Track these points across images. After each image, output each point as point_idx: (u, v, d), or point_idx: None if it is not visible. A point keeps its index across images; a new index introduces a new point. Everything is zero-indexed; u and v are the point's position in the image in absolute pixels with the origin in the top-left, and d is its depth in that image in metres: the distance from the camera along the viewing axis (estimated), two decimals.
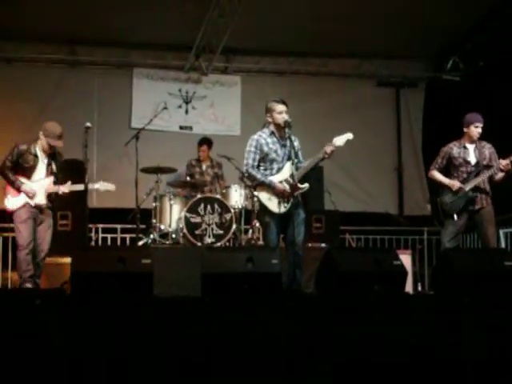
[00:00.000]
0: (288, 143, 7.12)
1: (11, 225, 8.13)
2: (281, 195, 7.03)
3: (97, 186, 8.03)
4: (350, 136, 7.08)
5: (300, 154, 7.28)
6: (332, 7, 10.12)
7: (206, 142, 10.65)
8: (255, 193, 7.34)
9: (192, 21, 10.38)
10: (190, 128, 12.23)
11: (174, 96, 12.20)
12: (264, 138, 7.21)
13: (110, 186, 8.13)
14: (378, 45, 11.58)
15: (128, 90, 12.04)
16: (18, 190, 7.65)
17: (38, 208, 7.72)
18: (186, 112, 12.28)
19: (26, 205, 7.66)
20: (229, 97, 12.47)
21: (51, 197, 7.83)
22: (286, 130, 7.12)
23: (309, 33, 11.03)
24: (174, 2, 9.99)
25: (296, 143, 7.23)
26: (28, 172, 7.73)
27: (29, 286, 7.53)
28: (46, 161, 7.81)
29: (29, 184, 7.69)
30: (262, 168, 7.20)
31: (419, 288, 10.15)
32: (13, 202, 7.67)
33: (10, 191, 7.71)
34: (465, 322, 4.56)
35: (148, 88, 12.10)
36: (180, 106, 12.25)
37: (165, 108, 10.57)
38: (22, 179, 7.70)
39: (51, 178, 7.81)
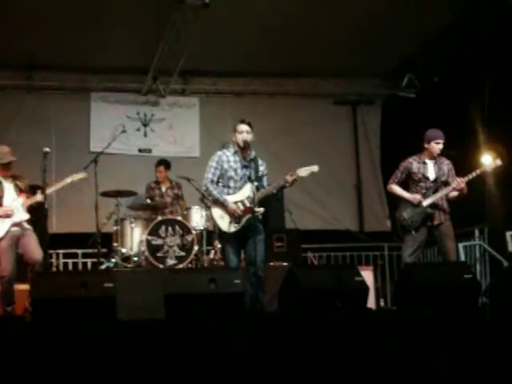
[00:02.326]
0: (252, 165, 7.18)
1: None
2: (232, 215, 7.09)
3: (69, 179, 8.01)
4: (315, 169, 7.19)
5: (265, 179, 7.36)
6: (288, 27, 10.19)
7: (163, 162, 10.69)
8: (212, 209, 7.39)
9: (148, 44, 10.38)
10: (149, 151, 12.20)
11: (133, 119, 12.17)
12: (227, 155, 7.32)
13: (82, 175, 8.12)
14: (334, 63, 11.65)
15: (86, 113, 11.99)
16: None
17: (20, 225, 7.69)
18: (145, 135, 12.25)
19: (7, 232, 7.63)
20: (187, 118, 12.48)
21: (32, 210, 7.80)
22: (252, 152, 7.24)
23: (265, 53, 11.08)
24: (129, 25, 10.00)
25: (262, 168, 7.33)
26: None
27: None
28: (11, 184, 7.80)
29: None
30: (220, 184, 7.30)
31: (382, 303, 10.20)
32: None
33: None
34: (426, 336, 4.61)
35: (106, 111, 12.06)
36: (138, 129, 12.22)
37: (123, 131, 10.54)
38: None
39: (24, 196, 7.78)
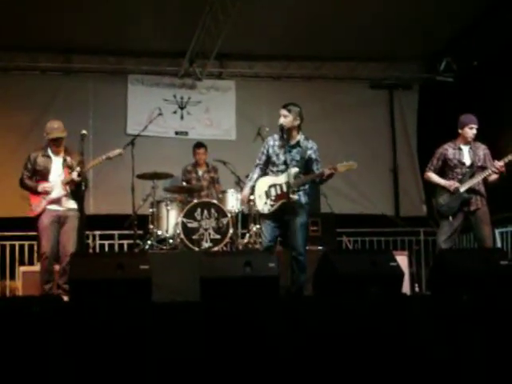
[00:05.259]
0: (292, 150, 7.22)
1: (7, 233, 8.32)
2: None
3: (104, 156, 8.10)
4: (354, 166, 7.22)
5: (314, 164, 7.30)
6: (326, 10, 10.15)
7: (203, 145, 10.70)
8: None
9: (186, 27, 10.41)
10: (186, 133, 12.25)
11: (169, 102, 12.21)
12: (274, 139, 7.38)
13: (117, 151, 8.19)
14: (371, 47, 11.59)
15: (123, 96, 12.06)
16: (37, 192, 7.74)
17: (62, 204, 7.78)
18: (182, 117, 12.30)
19: (46, 209, 7.74)
20: (223, 102, 12.48)
21: (70, 186, 7.86)
22: (298, 136, 7.29)
23: (302, 37, 11.04)
24: (167, 8, 10.02)
25: (309, 152, 7.27)
26: (44, 174, 7.81)
27: None
28: (60, 159, 7.88)
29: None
30: (269, 169, 7.37)
31: (416, 289, 10.17)
32: (35, 206, 7.77)
33: (33, 200, 7.81)
34: (461, 322, 4.59)
35: (143, 94, 12.12)
36: (175, 112, 12.26)
37: (160, 114, 10.59)
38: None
39: (65, 172, 7.86)
